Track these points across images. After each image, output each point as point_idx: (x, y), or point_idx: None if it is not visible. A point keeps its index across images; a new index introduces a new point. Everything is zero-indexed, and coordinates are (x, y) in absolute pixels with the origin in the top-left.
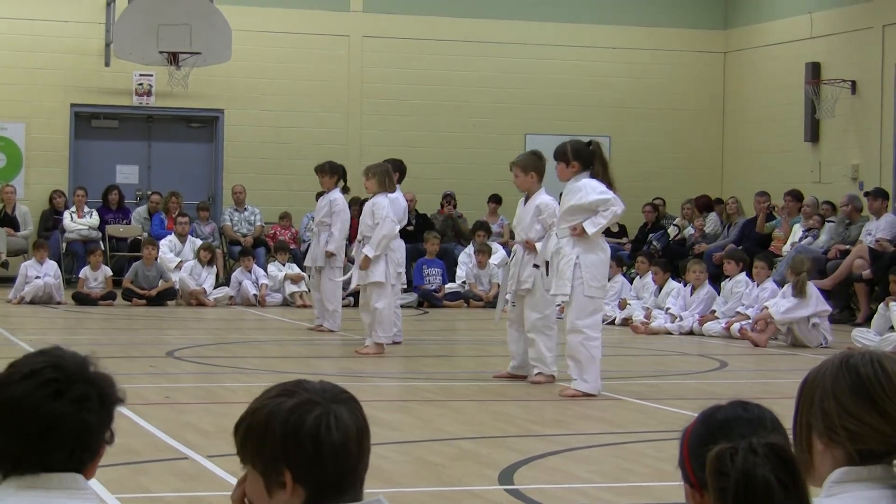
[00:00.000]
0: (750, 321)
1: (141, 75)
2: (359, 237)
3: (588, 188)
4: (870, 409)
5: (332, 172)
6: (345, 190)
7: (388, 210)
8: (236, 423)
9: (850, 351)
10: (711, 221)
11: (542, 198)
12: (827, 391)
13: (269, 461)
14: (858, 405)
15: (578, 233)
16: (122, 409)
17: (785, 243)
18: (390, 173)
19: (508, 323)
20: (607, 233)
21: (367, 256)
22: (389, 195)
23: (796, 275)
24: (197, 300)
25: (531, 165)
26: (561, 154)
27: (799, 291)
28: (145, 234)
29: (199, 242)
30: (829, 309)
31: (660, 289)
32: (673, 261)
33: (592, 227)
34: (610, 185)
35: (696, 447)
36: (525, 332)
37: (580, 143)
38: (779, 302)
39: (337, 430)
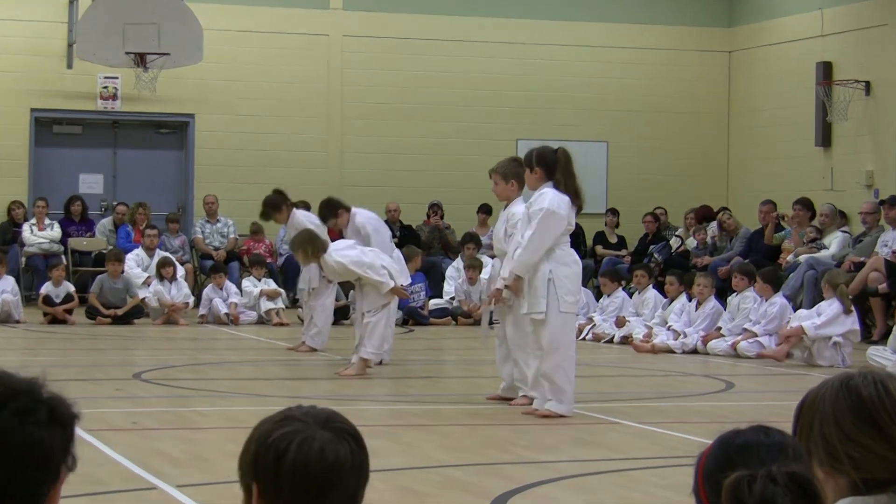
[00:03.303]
0: (751, 340)
1: (106, 78)
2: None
3: (541, 199)
4: (874, 434)
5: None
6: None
7: (375, 223)
8: (251, 458)
9: (850, 371)
10: (712, 233)
11: (514, 207)
12: (827, 415)
13: (244, 473)
14: (862, 430)
15: (515, 289)
16: (85, 436)
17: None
18: (314, 237)
19: (497, 342)
20: (605, 244)
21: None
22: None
23: (834, 288)
24: (169, 317)
25: (511, 173)
26: (526, 160)
27: (848, 306)
28: (110, 248)
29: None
30: (859, 328)
31: (671, 301)
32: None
33: (519, 269)
34: (575, 195)
35: (711, 473)
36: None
37: (546, 149)
38: (809, 316)
39: (336, 459)
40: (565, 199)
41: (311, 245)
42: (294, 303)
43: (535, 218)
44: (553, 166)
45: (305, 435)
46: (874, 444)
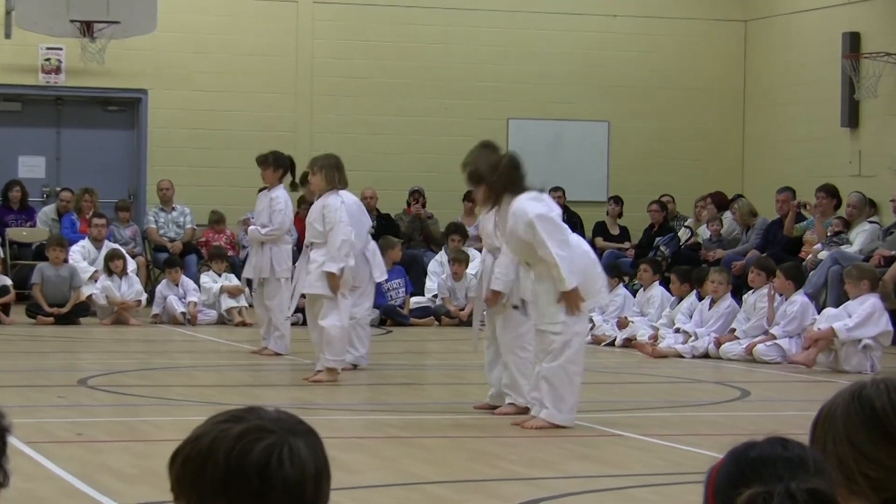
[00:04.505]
0: (770, 343)
1: (48, 49)
2: (306, 243)
3: (520, 214)
4: (891, 450)
5: (277, 165)
6: (293, 186)
7: (341, 212)
8: (173, 453)
9: (862, 380)
10: (727, 223)
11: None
12: (839, 432)
13: (207, 496)
14: (876, 446)
15: (492, 302)
16: (24, 449)
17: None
18: (341, 165)
19: (486, 344)
20: (606, 236)
21: (332, 273)
22: (342, 193)
23: (861, 282)
24: (119, 316)
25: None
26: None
27: (892, 303)
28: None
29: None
30: (892, 330)
31: (679, 300)
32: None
33: (499, 284)
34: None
35: (723, 489)
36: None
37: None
38: (838, 316)
39: (291, 466)
40: (531, 193)
41: (337, 170)
42: None
43: (534, 230)
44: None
45: (285, 445)
46: (890, 460)
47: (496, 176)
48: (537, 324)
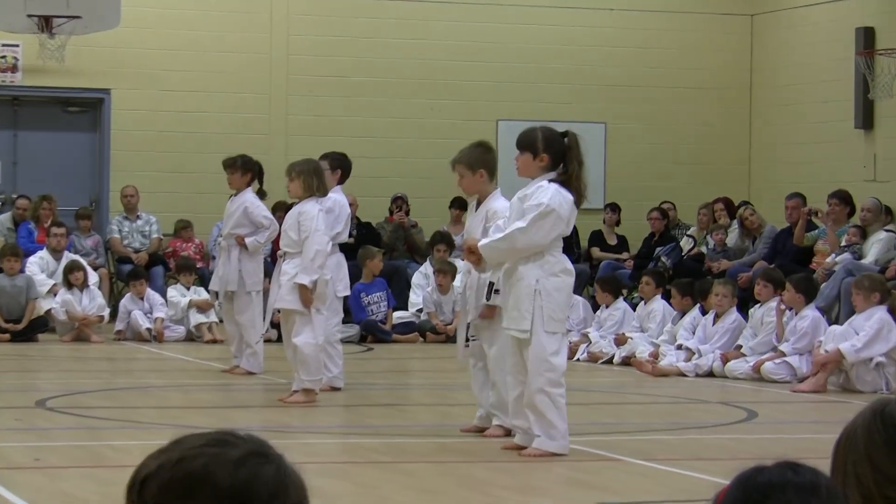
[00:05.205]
0: (778, 360)
1: (4, 46)
2: (280, 252)
3: (540, 193)
4: None
5: (245, 169)
6: (260, 194)
7: (318, 220)
8: (140, 478)
9: (886, 396)
10: (734, 232)
11: (495, 203)
12: (860, 452)
13: None
14: None
15: (475, 260)
16: None
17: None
18: (320, 172)
19: (472, 362)
20: (603, 246)
21: (304, 286)
22: (322, 200)
23: (881, 294)
24: (80, 332)
25: (478, 161)
26: (529, 143)
27: None
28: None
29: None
30: None
31: (682, 314)
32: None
33: (487, 247)
34: (579, 193)
35: None
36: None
37: (552, 132)
38: (844, 334)
39: (295, 490)
40: (569, 198)
41: (316, 176)
42: None
43: (532, 212)
44: (562, 153)
45: (286, 469)
46: None
47: (563, 148)
48: (505, 325)
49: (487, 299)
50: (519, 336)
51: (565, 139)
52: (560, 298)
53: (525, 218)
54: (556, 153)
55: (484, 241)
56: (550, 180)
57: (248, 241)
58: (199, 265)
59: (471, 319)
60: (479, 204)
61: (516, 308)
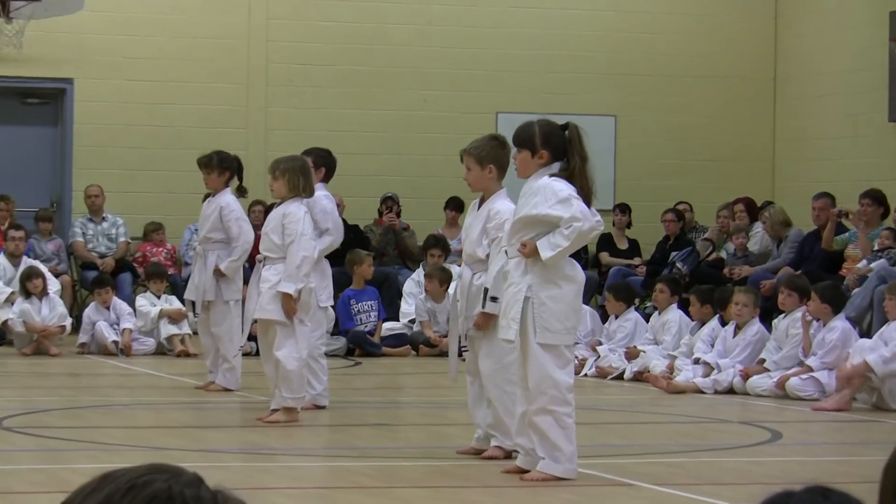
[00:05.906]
0: (805, 376)
1: None
2: (259, 256)
3: (548, 192)
4: None
5: (223, 167)
6: (240, 191)
7: (305, 223)
8: None
9: None
10: (757, 236)
11: (497, 203)
12: None
13: None
14: None
15: (528, 252)
16: None
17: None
18: (307, 171)
19: (469, 379)
20: (612, 251)
21: (288, 295)
22: (308, 201)
23: None
24: (39, 345)
25: (489, 156)
26: (526, 139)
27: None
28: None
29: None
30: None
31: (700, 325)
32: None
33: (549, 249)
34: (586, 191)
35: None
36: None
37: (553, 125)
38: (874, 347)
39: None
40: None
41: (303, 174)
42: None
43: (559, 201)
44: (563, 148)
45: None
46: None
47: (563, 141)
48: (501, 334)
49: (483, 307)
50: (506, 345)
51: (566, 132)
52: (557, 308)
53: (569, 220)
54: (556, 148)
55: (548, 254)
56: (552, 174)
57: (223, 267)
58: (170, 272)
59: (462, 330)
60: (481, 202)
61: (504, 315)
